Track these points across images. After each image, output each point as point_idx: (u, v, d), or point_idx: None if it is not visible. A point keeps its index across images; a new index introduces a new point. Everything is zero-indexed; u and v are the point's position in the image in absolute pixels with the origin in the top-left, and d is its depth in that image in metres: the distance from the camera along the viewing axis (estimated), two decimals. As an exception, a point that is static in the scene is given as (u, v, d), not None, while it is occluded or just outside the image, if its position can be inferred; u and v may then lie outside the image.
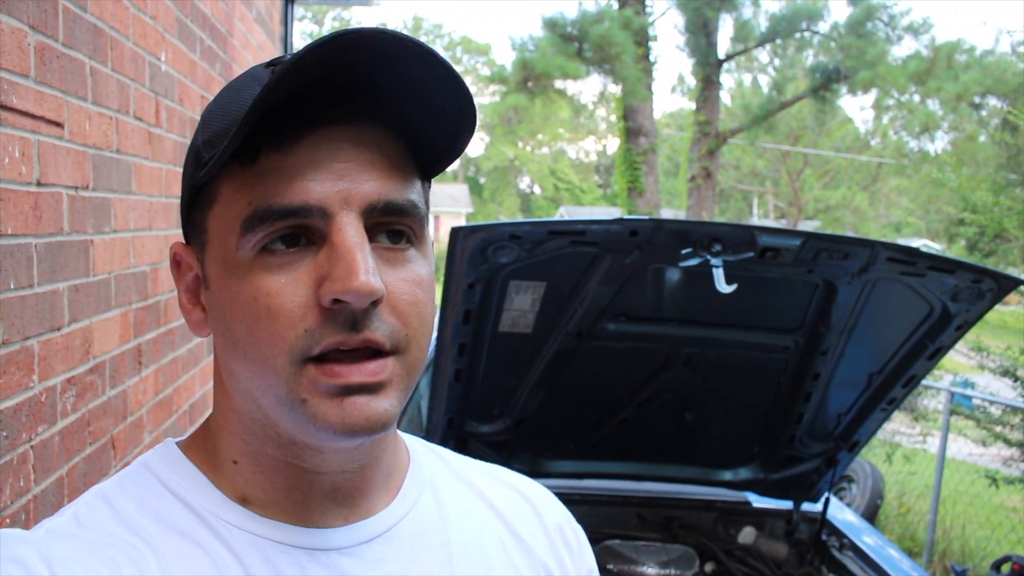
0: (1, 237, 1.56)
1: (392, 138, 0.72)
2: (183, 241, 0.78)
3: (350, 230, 0.67)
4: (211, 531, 0.72)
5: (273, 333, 0.67)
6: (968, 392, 7.93)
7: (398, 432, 0.85)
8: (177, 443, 0.79)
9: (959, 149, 20.20)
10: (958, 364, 10.91)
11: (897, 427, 9.28)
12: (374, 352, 0.68)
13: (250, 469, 0.75)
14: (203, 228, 0.73)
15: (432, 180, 0.80)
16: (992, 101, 16.64)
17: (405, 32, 0.65)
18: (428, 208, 0.78)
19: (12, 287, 1.60)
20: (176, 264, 0.77)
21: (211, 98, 3.04)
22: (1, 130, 1.55)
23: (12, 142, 1.59)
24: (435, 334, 2.67)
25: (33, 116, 1.68)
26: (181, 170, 2.82)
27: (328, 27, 43.88)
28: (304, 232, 0.68)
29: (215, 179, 0.71)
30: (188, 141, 2.84)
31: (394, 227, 0.71)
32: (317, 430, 0.68)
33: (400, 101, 0.70)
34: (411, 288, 0.70)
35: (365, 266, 0.65)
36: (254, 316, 0.68)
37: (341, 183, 0.68)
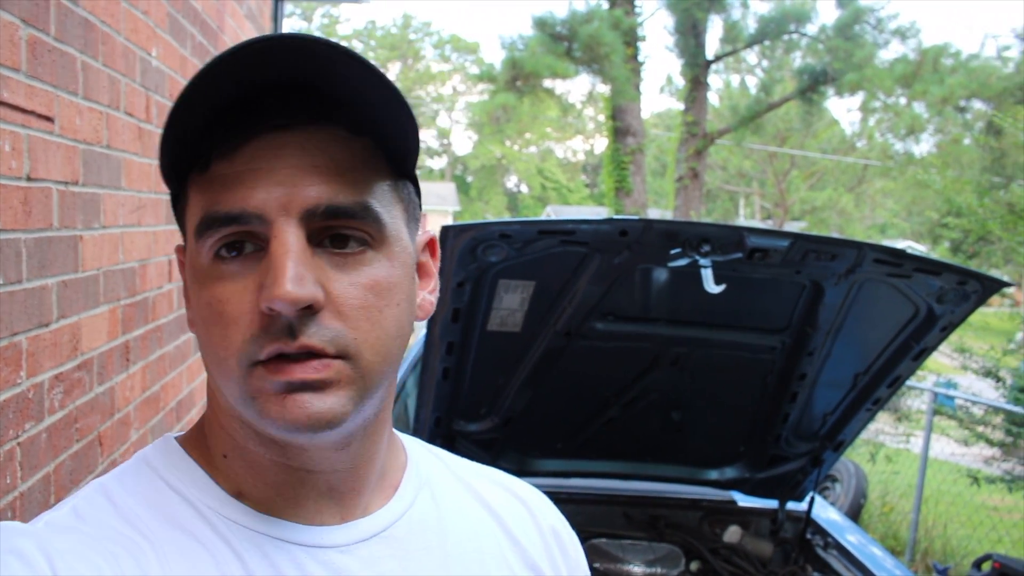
0: (-9, 232, 1.55)
1: (347, 139, 0.71)
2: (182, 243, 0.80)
3: (285, 237, 0.67)
4: (209, 526, 0.72)
5: (224, 338, 0.69)
6: (951, 392, 7.99)
7: (395, 432, 0.85)
8: (176, 438, 0.79)
9: (944, 152, 20.32)
10: (941, 365, 11.00)
11: (881, 427, 9.34)
12: (317, 356, 0.68)
13: (239, 464, 0.76)
14: (185, 231, 0.75)
15: (417, 177, 0.79)
16: (977, 105, 16.75)
17: (305, 34, 0.66)
18: (413, 204, 0.78)
19: (1, 282, 1.60)
20: (180, 263, 0.79)
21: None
22: (-8, 125, 1.55)
23: (3, 136, 1.59)
24: (424, 332, 2.67)
25: (24, 110, 1.67)
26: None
27: (317, 24, 43.73)
28: (250, 239, 0.69)
29: (185, 185, 0.72)
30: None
31: (340, 231, 0.70)
32: (266, 426, 0.70)
33: (340, 102, 0.70)
34: (361, 292, 0.70)
35: (293, 274, 0.65)
36: (210, 321, 0.70)
37: (280, 189, 0.68)
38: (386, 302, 0.71)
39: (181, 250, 0.78)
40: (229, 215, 0.68)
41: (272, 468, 0.74)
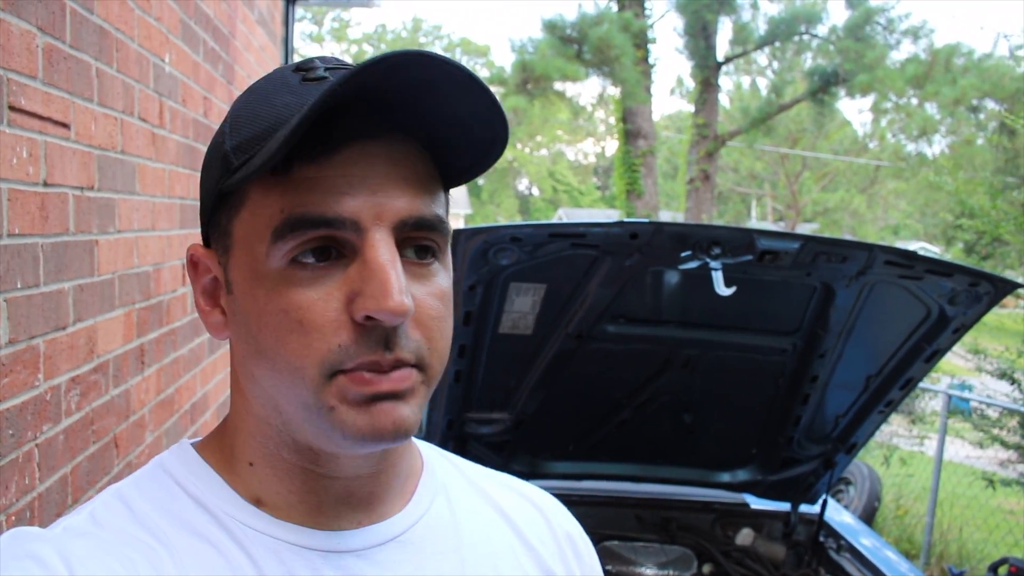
0: (9, 237, 1.57)
1: (420, 152, 0.72)
2: (200, 243, 0.78)
3: (383, 247, 0.68)
4: (226, 531, 0.72)
5: (305, 346, 0.68)
6: (965, 395, 7.95)
7: (412, 438, 0.86)
8: (193, 444, 0.80)
9: (957, 153, 20.23)
10: (956, 366, 10.94)
11: (895, 429, 9.30)
12: (402, 365, 0.69)
13: (266, 472, 0.76)
14: (227, 232, 0.73)
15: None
16: (990, 105, 16.67)
17: (450, 56, 0.66)
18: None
19: (19, 286, 1.62)
20: (193, 265, 0.77)
21: (213, 99, 3.04)
22: (9, 131, 1.57)
23: (20, 143, 1.61)
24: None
25: (40, 117, 1.69)
26: (185, 171, 2.81)
27: (327, 28, 43.85)
28: (334, 245, 0.68)
29: (240, 187, 0.71)
30: (191, 142, 2.86)
31: (422, 242, 0.71)
32: (343, 437, 0.69)
33: (436, 121, 0.71)
34: (436, 303, 0.71)
35: (399, 285, 0.66)
36: (285, 328, 0.68)
37: (375, 198, 0.68)
38: (448, 311, 0.73)
39: (203, 252, 0.76)
40: (322, 218, 0.67)
41: (300, 475, 0.75)
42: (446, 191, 0.78)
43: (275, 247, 0.68)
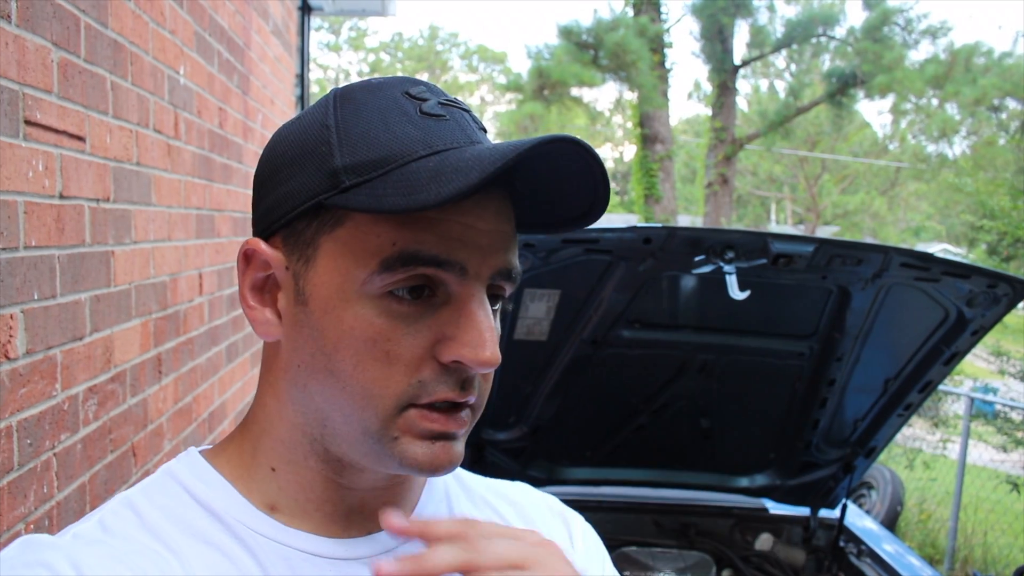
0: (25, 249, 1.59)
1: (511, 206, 0.76)
2: (258, 238, 0.76)
3: (482, 297, 0.71)
4: (236, 538, 0.73)
5: (387, 376, 0.70)
6: (989, 397, 7.87)
7: None
8: (201, 452, 0.80)
9: (978, 153, 20.05)
10: (979, 369, 10.83)
11: (917, 433, 9.22)
12: (464, 406, 0.74)
13: (287, 477, 0.77)
14: (312, 243, 0.72)
15: None
16: (1011, 104, 16.53)
17: (585, 142, 0.69)
18: None
19: (36, 297, 1.64)
20: (246, 258, 0.76)
21: (229, 110, 3.06)
22: (26, 144, 1.59)
23: (36, 156, 1.63)
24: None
25: (56, 130, 1.72)
26: (201, 181, 2.83)
27: (344, 37, 44.08)
28: (431, 285, 0.70)
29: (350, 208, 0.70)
30: (206, 153, 2.89)
31: (499, 292, 0.75)
32: (400, 465, 0.72)
33: (540, 183, 0.74)
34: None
35: (494, 338, 0.70)
36: (369, 355, 0.70)
37: (481, 250, 0.71)
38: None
39: (271, 253, 0.74)
40: (436, 257, 0.69)
41: (321, 483, 0.77)
42: None
43: (379, 276, 0.69)
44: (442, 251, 0.69)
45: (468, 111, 0.75)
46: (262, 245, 0.75)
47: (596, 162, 0.70)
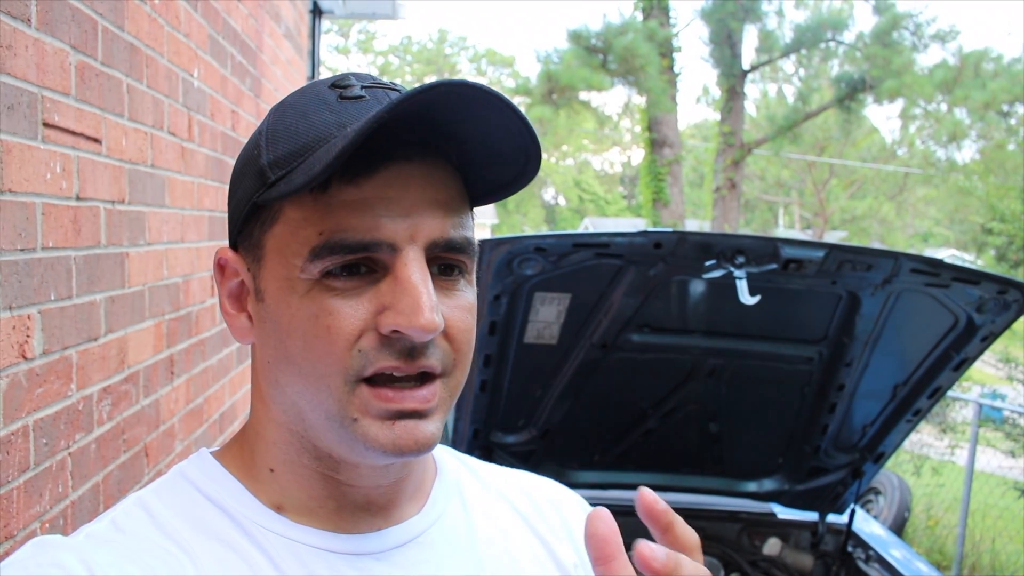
0: (43, 250, 1.61)
1: (452, 173, 0.75)
2: (229, 247, 0.80)
3: (415, 266, 0.70)
4: (247, 536, 0.74)
5: (330, 352, 0.70)
6: (997, 404, 7.85)
7: None
8: (211, 452, 0.81)
9: (987, 158, 19.99)
10: (987, 375, 10.80)
11: (925, 439, 9.19)
12: (425, 376, 0.72)
13: (286, 477, 0.77)
14: (259, 243, 0.75)
15: None
16: (1021, 109, 16.48)
17: (487, 85, 0.68)
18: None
19: (52, 298, 1.65)
20: (220, 268, 0.79)
21: (241, 113, 3.08)
22: (43, 147, 1.60)
23: (54, 158, 1.65)
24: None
25: (73, 133, 1.73)
26: (214, 183, 2.85)
27: (354, 40, 44.18)
28: (367, 263, 0.71)
29: (277, 200, 0.73)
30: (219, 155, 2.91)
31: (448, 262, 0.74)
32: (365, 449, 0.71)
33: (471, 143, 0.73)
34: (463, 315, 0.74)
35: (430, 303, 0.69)
36: (313, 334, 0.71)
37: (409, 220, 0.71)
38: (474, 323, 0.76)
39: (233, 256, 0.78)
40: (361, 243, 0.69)
41: (319, 482, 0.77)
42: (472, 208, 0.80)
43: (311, 264, 0.71)
44: (366, 234, 0.69)
45: (398, 90, 0.75)
46: (230, 253, 0.78)
47: (505, 104, 0.69)
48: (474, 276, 0.78)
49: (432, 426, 0.72)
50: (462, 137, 0.73)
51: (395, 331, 0.69)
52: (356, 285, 0.71)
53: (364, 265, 0.71)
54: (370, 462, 0.75)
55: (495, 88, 0.69)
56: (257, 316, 0.76)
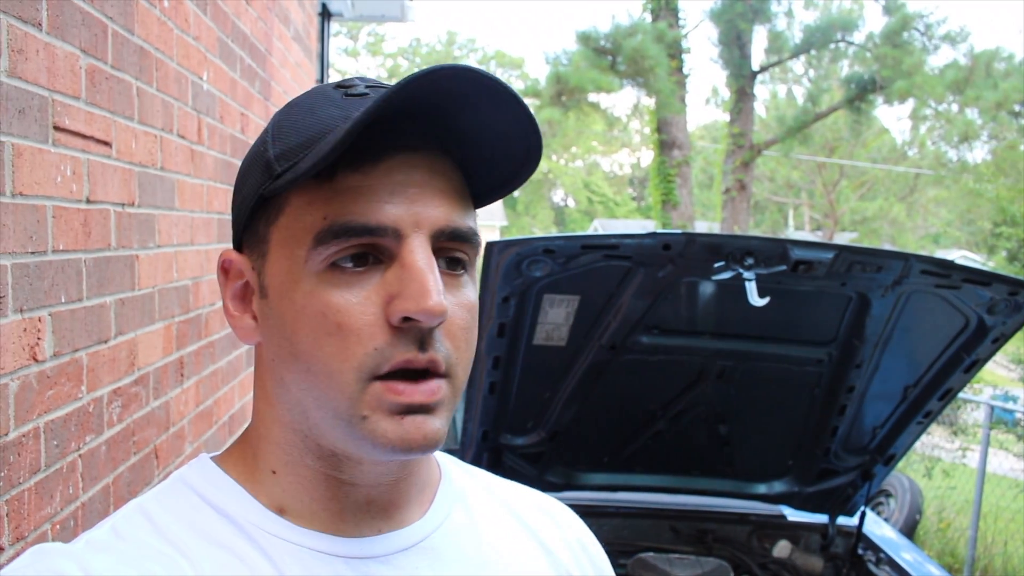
0: (53, 253, 1.61)
1: (455, 167, 0.75)
2: (233, 249, 0.80)
3: (421, 251, 0.70)
4: (249, 540, 0.73)
5: (343, 349, 0.69)
6: (1009, 406, 7.82)
7: None
8: (212, 457, 0.81)
9: (999, 158, 19.89)
10: (999, 377, 10.75)
11: (936, 441, 9.16)
12: (432, 373, 0.71)
13: (288, 479, 0.77)
14: (264, 238, 0.75)
15: None
16: (1033, 110, 16.39)
17: (491, 73, 0.68)
18: None
19: (63, 301, 1.66)
20: (224, 271, 0.79)
21: (251, 116, 3.09)
22: (54, 150, 1.61)
23: (64, 161, 1.65)
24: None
25: (83, 136, 1.74)
26: (223, 186, 2.87)
27: (363, 43, 44.29)
28: (373, 251, 0.71)
29: (283, 192, 0.73)
30: (228, 158, 2.92)
31: (455, 254, 0.74)
32: (374, 446, 0.71)
33: (473, 134, 0.73)
34: (464, 313, 0.74)
35: (437, 286, 0.68)
36: (323, 331, 0.70)
37: (414, 207, 0.71)
38: (475, 323, 0.75)
39: (238, 257, 0.78)
40: (366, 227, 0.69)
41: (323, 482, 0.76)
42: (475, 207, 0.80)
43: (315, 251, 0.70)
44: (371, 218, 0.69)
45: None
46: (233, 254, 0.78)
47: (506, 91, 0.69)
48: (476, 273, 0.78)
49: (438, 422, 0.71)
50: (464, 126, 0.73)
51: (405, 319, 0.68)
52: (363, 276, 0.70)
53: (370, 255, 0.70)
54: (377, 459, 0.74)
55: (490, 73, 0.69)
56: (262, 314, 0.76)
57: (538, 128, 0.73)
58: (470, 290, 0.75)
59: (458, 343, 0.73)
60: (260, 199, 0.74)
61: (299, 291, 0.71)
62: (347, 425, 0.71)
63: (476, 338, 0.76)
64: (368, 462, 0.75)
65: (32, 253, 1.53)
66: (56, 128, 1.61)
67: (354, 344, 0.69)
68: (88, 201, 1.77)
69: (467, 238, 0.74)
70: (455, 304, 0.73)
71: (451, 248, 0.73)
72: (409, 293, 0.68)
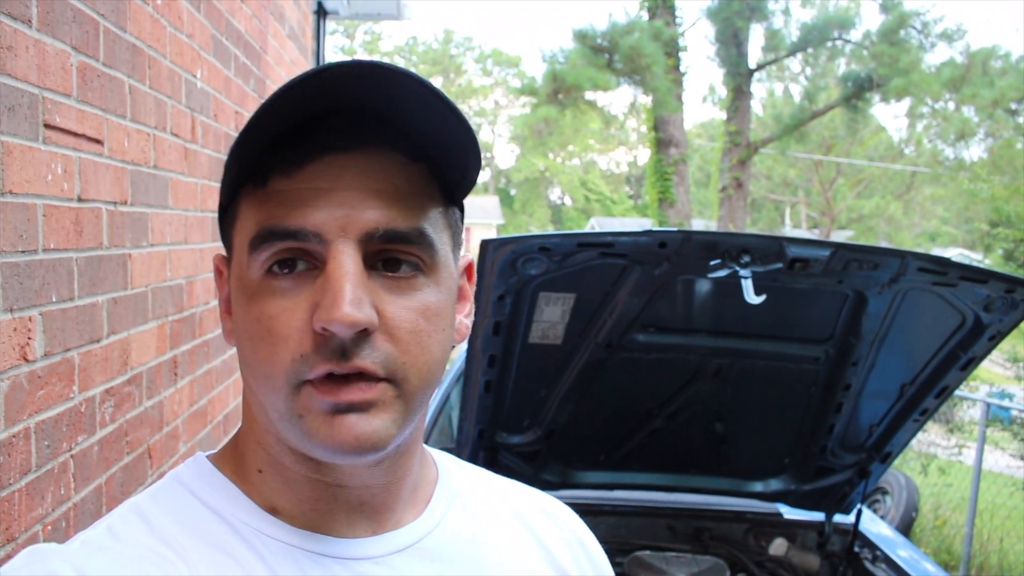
0: (44, 251, 1.60)
1: (405, 165, 0.73)
2: (223, 253, 0.80)
3: (342, 259, 0.68)
4: (243, 540, 0.73)
5: (273, 355, 0.69)
6: (1005, 403, 7.82)
7: (425, 447, 0.86)
8: (208, 456, 0.81)
9: (996, 156, 19.92)
10: (995, 375, 10.76)
11: (932, 439, 9.16)
12: (366, 378, 0.69)
13: (274, 479, 0.76)
14: (230, 244, 0.76)
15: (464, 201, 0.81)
16: (1029, 108, 16.41)
17: (392, 62, 0.68)
18: (459, 230, 0.79)
19: (54, 300, 1.65)
20: (218, 273, 0.80)
21: (245, 114, 3.10)
22: (45, 148, 1.60)
23: (55, 159, 1.64)
24: (465, 346, 2.69)
25: (75, 134, 1.73)
26: (217, 185, 2.87)
27: (359, 41, 44.26)
28: (304, 257, 0.70)
29: (237, 198, 0.74)
30: (222, 156, 2.90)
31: (394, 255, 0.71)
32: (312, 447, 0.70)
33: (413, 133, 0.72)
34: (412, 316, 0.71)
35: (351, 296, 0.66)
36: (258, 337, 0.70)
37: (340, 210, 0.69)
38: (434, 327, 0.72)
39: (223, 260, 0.79)
40: (287, 231, 0.68)
41: (306, 483, 0.76)
42: (452, 205, 0.78)
43: (251, 258, 0.71)
44: (292, 222, 0.68)
45: None
46: (220, 258, 0.80)
47: (418, 83, 0.67)
48: (448, 274, 0.75)
49: (376, 423, 0.68)
50: (404, 126, 0.71)
51: (324, 328, 0.67)
52: (295, 282, 0.69)
53: (302, 260, 0.70)
54: (327, 461, 0.73)
55: (406, 70, 0.67)
56: (233, 317, 0.77)
57: (466, 122, 0.71)
58: (427, 292, 0.72)
59: (406, 346, 0.70)
60: (222, 206, 0.76)
61: (244, 297, 0.72)
62: (291, 425, 0.71)
63: (440, 341, 0.73)
64: (348, 466, 0.74)
65: (22, 252, 1.52)
66: (47, 126, 1.60)
67: (282, 351, 0.69)
68: (79, 199, 1.76)
69: (410, 239, 0.71)
70: (400, 307, 0.70)
71: (392, 250, 0.70)
72: (325, 303, 0.67)
